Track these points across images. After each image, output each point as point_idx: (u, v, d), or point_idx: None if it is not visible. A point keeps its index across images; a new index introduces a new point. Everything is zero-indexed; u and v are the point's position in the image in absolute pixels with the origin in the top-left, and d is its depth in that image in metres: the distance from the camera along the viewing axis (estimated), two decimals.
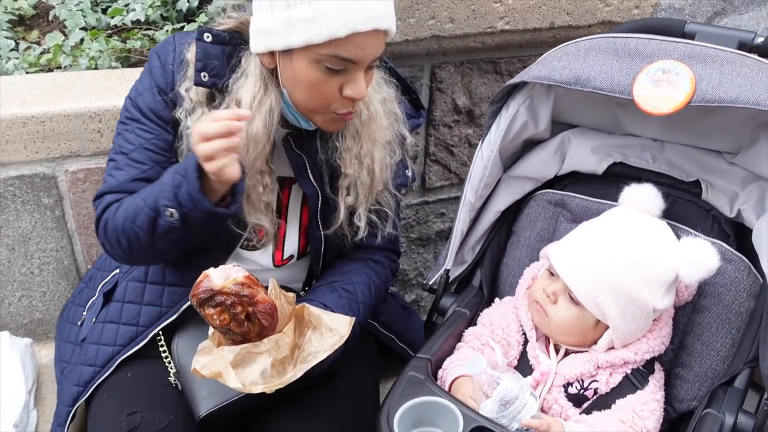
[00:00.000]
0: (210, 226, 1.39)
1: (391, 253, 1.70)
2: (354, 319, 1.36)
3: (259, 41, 1.35)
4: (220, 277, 1.23)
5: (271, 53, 1.36)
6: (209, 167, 1.28)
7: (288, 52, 1.33)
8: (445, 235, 2.27)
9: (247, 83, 1.39)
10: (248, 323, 1.25)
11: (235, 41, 1.43)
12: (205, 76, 1.41)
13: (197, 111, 1.43)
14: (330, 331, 1.31)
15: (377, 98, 1.49)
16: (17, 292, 2.00)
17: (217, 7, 2.29)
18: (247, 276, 1.24)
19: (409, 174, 1.62)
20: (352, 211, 1.54)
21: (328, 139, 1.49)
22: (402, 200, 1.68)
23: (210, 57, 1.41)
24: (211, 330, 1.31)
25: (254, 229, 1.50)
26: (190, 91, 1.43)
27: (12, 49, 2.31)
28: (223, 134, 1.26)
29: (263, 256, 1.58)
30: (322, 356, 1.29)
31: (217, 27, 1.44)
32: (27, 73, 2.18)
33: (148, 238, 1.39)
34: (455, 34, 1.85)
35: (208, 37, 1.42)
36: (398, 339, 1.78)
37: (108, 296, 1.64)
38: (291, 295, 1.37)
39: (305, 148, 1.49)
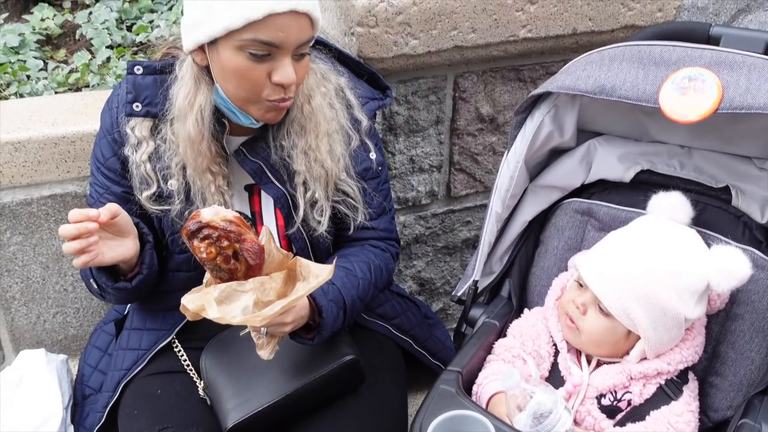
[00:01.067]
0: (133, 290, 1.50)
1: (389, 240, 1.71)
2: (334, 263, 1.37)
3: (187, 38, 1.39)
4: (210, 213, 1.27)
5: (202, 49, 1.39)
6: (75, 263, 1.37)
7: (214, 44, 1.36)
8: (471, 243, 2.26)
9: (182, 85, 1.44)
10: (235, 261, 1.27)
11: (168, 68, 1.48)
12: (137, 107, 1.49)
13: (143, 145, 1.50)
14: (316, 277, 1.31)
15: (320, 91, 1.51)
16: (52, 309, 2.04)
17: (158, 37, 2.35)
18: (237, 216, 1.28)
19: (373, 157, 1.62)
20: (312, 204, 1.55)
21: (275, 138, 1.51)
22: (387, 183, 1.68)
23: (141, 88, 1.49)
24: (206, 276, 1.33)
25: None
26: (134, 129, 1.50)
27: (41, 69, 2.37)
28: (75, 237, 1.33)
29: None
30: (303, 293, 1.29)
31: (151, 58, 1.50)
32: (56, 92, 2.23)
33: (95, 292, 1.55)
34: (478, 43, 1.85)
35: (138, 69, 1.50)
36: (415, 343, 1.79)
37: (119, 326, 1.74)
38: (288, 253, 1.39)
39: (258, 153, 1.51)
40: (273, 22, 1.30)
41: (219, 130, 1.48)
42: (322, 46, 1.60)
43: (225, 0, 1.30)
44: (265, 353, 1.39)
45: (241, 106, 1.42)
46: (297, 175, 1.52)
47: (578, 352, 1.43)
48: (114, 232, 1.41)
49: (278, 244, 1.61)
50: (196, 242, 1.26)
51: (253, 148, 1.52)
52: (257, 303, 1.26)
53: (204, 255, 1.26)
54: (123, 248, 1.43)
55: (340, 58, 1.63)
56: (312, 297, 1.43)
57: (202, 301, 1.25)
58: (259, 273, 1.30)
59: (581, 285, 1.40)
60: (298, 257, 1.35)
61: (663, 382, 1.37)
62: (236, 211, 1.30)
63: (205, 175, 1.48)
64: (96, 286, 1.52)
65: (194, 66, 1.43)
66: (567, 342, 1.43)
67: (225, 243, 1.25)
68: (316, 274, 1.31)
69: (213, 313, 1.24)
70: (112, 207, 1.38)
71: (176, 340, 1.65)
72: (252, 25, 1.30)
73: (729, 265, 1.32)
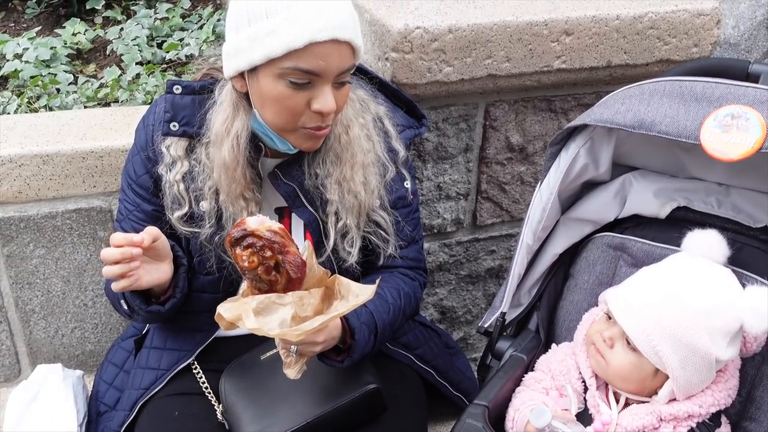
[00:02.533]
0: (166, 313, 1.49)
1: (417, 269, 1.69)
2: (378, 281, 1.36)
3: (228, 65, 1.38)
4: (256, 222, 1.25)
5: (242, 75, 1.38)
6: (114, 287, 1.36)
7: (254, 71, 1.35)
8: (495, 273, 2.24)
9: (220, 111, 1.44)
10: (276, 273, 1.25)
11: (206, 89, 1.48)
12: (174, 126, 1.48)
13: (177, 165, 1.49)
14: (356, 297, 1.29)
15: (358, 122, 1.50)
16: (71, 324, 2.03)
17: (188, 55, 2.36)
18: (281, 228, 1.26)
19: (408, 186, 1.60)
20: (344, 235, 1.53)
21: (311, 165, 1.50)
22: (417, 212, 1.67)
23: (178, 108, 1.49)
24: (242, 286, 1.32)
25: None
26: (170, 147, 1.49)
27: (70, 83, 2.38)
28: (117, 261, 1.32)
29: None
30: (342, 311, 1.26)
31: (190, 78, 1.49)
32: (85, 106, 2.24)
33: (124, 313, 1.53)
34: (512, 73, 1.84)
35: (177, 89, 1.50)
36: (437, 374, 1.75)
37: (138, 344, 1.72)
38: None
39: (294, 177, 1.50)
40: (314, 51, 1.29)
41: (254, 156, 1.47)
42: (362, 73, 1.59)
43: (267, 28, 1.30)
44: (292, 372, 1.36)
45: (278, 132, 1.42)
46: (329, 205, 1.51)
47: (607, 390, 1.40)
48: (152, 256, 1.41)
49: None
50: (238, 250, 1.24)
51: (288, 171, 1.50)
52: (295, 317, 1.24)
53: (246, 264, 1.24)
54: (160, 272, 1.42)
55: (379, 86, 1.62)
56: (345, 318, 1.41)
57: (240, 311, 1.23)
58: (299, 287, 1.28)
59: (610, 318, 1.37)
60: (337, 275, 1.33)
61: (694, 425, 1.33)
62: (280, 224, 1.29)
63: (238, 201, 1.46)
64: (126, 308, 1.50)
65: (233, 92, 1.43)
66: (596, 379, 1.40)
67: (268, 253, 1.24)
68: (356, 293, 1.29)
69: (250, 323, 1.21)
70: (153, 231, 1.37)
71: (195, 362, 1.63)
72: (293, 54, 1.29)
73: (763, 305, 1.29)
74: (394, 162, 1.57)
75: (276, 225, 1.26)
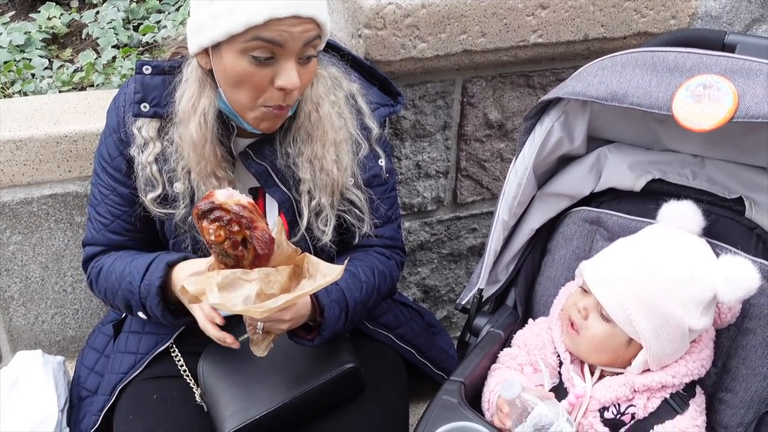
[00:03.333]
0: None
1: (394, 249, 1.67)
2: (348, 260, 1.36)
3: (192, 41, 1.37)
4: (224, 195, 1.23)
5: (206, 52, 1.37)
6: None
7: (217, 48, 1.34)
8: (477, 251, 2.23)
9: (186, 88, 1.42)
10: (243, 248, 1.23)
11: (177, 69, 1.46)
12: (145, 107, 1.47)
13: (149, 146, 1.47)
14: (324, 276, 1.27)
15: (329, 99, 1.48)
16: (50, 310, 2.01)
17: (165, 37, 2.33)
18: (250, 202, 1.24)
19: (383, 164, 1.59)
20: (317, 214, 1.52)
21: (282, 144, 1.49)
22: (393, 191, 1.65)
23: (149, 88, 1.47)
24: (209, 261, 1.30)
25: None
26: (141, 129, 1.48)
27: (46, 68, 2.35)
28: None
29: None
30: (309, 291, 1.25)
31: (160, 58, 1.49)
32: (60, 91, 2.21)
33: (128, 314, 1.57)
34: (487, 48, 1.82)
35: (147, 69, 1.48)
36: (418, 354, 1.75)
37: (117, 329, 1.72)
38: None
39: (265, 156, 1.49)
40: (274, 27, 1.28)
41: (225, 134, 1.46)
42: (335, 50, 1.58)
43: (228, 5, 1.28)
44: (259, 350, 1.36)
45: (239, 111, 1.40)
46: (302, 183, 1.50)
47: (582, 364, 1.40)
48: None
49: None
50: (205, 223, 1.22)
51: (259, 150, 1.49)
52: (260, 294, 1.22)
53: (212, 238, 1.22)
54: None
55: (352, 63, 1.60)
56: (315, 296, 1.40)
57: (204, 285, 1.21)
58: (266, 264, 1.26)
59: (585, 291, 1.37)
60: (306, 254, 1.32)
61: (668, 396, 1.34)
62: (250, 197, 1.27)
63: (209, 179, 1.45)
64: (145, 315, 1.51)
65: (199, 69, 1.41)
66: (570, 353, 1.40)
67: (235, 228, 1.21)
68: (324, 273, 1.27)
69: (213, 299, 1.20)
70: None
71: (174, 345, 1.62)
72: (253, 29, 1.28)
73: (736, 274, 1.28)
74: (368, 139, 1.55)
75: (245, 199, 1.23)
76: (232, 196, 1.23)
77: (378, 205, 1.59)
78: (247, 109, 1.38)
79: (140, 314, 1.50)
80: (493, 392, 1.40)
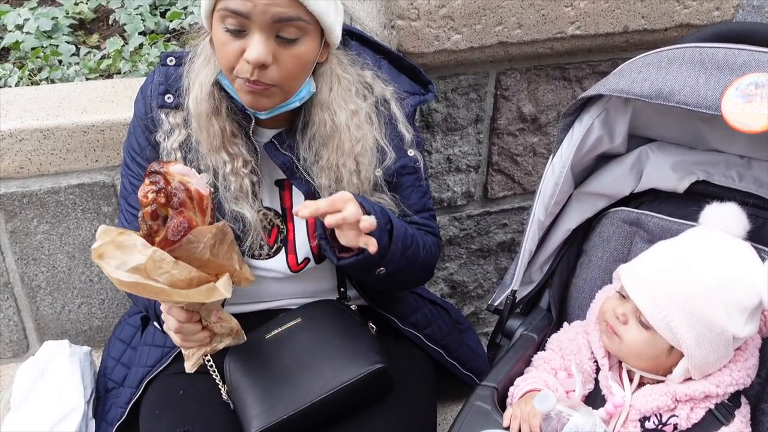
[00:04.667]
0: None
1: (430, 232, 1.60)
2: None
3: (201, 16, 1.37)
4: (179, 168, 1.19)
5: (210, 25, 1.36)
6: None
7: (211, 19, 1.33)
8: (507, 247, 2.19)
9: (196, 62, 1.42)
10: (159, 224, 1.17)
11: None
12: (169, 98, 1.46)
13: (175, 132, 1.46)
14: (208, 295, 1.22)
15: (348, 108, 1.44)
16: (77, 300, 2.01)
17: (192, 24, 2.31)
18: (199, 192, 1.19)
19: (412, 154, 1.53)
20: None
21: (302, 141, 1.45)
22: (425, 180, 1.59)
23: (172, 79, 1.46)
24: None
25: (263, 236, 1.49)
26: (168, 115, 1.46)
27: (72, 54, 2.33)
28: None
29: (278, 263, 1.55)
30: (182, 300, 1.20)
31: (185, 46, 1.49)
32: (87, 78, 2.19)
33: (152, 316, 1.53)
34: (523, 40, 1.77)
35: (171, 60, 1.48)
36: (447, 354, 1.71)
37: (145, 321, 1.70)
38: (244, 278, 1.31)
39: (291, 148, 1.46)
40: None
41: (244, 119, 1.44)
42: (360, 39, 1.53)
43: None
44: (188, 365, 1.38)
45: (230, 82, 1.38)
46: (321, 190, 1.47)
47: (620, 371, 1.36)
48: None
49: (309, 254, 1.56)
50: (146, 180, 1.18)
51: (285, 141, 1.46)
52: (140, 270, 1.15)
53: (140, 195, 1.17)
54: None
55: (379, 51, 1.56)
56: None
57: (108, 236, 1.16)
58: (173, 253, 1.18)
59: (623, 296, 1.32)
60: (219, 287, 1.24)
61: (712, 406, 1.28)
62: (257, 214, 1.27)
63: (219, 154, 1.42)
64: (162, 332, 1.50)
65: (208, 45, 1.41)
66: (609, 359, 1.36)
67: (162, 200, 1.16)
68: (227, 319, 1.35)
69: (96, 245, 1.15)
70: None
71: None
72: None
73: None
74: (399, 147, 1.51)
75: (197, 186, 1.19)
76: (186, 175, 1.19)
77: (410, 195, 1.55)
78: (230, 80, 1.37)
79: (156, 324, 1.49)
80: (516, 387, 1.36)
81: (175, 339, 1.35)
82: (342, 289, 1.62)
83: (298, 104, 1.42)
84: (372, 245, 1.30)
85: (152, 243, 1.18)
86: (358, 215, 1.28)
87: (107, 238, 1.16)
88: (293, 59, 1.33)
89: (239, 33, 1.29)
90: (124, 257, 1.15)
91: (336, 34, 1.39)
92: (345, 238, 1.32)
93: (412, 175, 1.56)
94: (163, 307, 1.34)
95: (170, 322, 1.33)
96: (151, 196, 1.16)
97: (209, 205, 1.23)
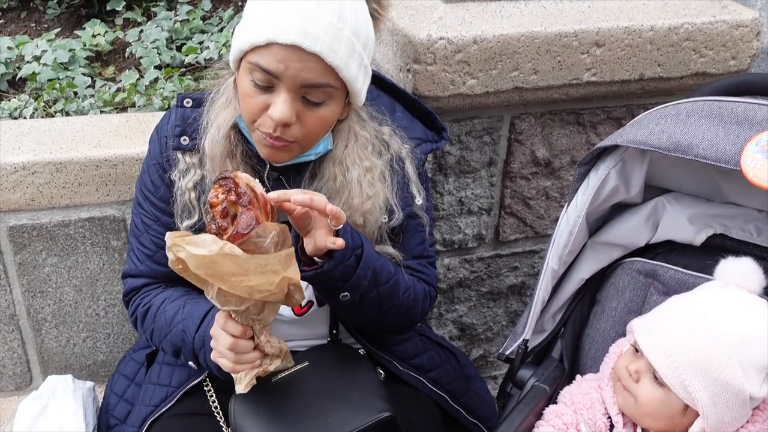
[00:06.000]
0: None
1: (425, 279, 1.59)
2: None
3: (230, 57, 1.37)
4: (244, 175, 1.24)
5: (237, 68, 1.36)
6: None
7: (238, 65, 1.33)
8: (518, 290, 2.16)
9: (217, 101, 1.42)
10: (227, 221, 1.20)
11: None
12: (185, 140, 1.45)
13: (190, 172, 1.45)
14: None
15: (362, 165, 1.42)
16: (82, 333, 1.99)
17: (207, 59, 2.32)
18: (264, 195, 1.23)
19: (419, 203, 1.52)
20: None
21: (311, 184, 1.45)
22: (426, 227, 1.57)
23: (188, 121, 1.46)
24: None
25: None
26: (185, 155, 1.46)
27: (88, 86, 2.34)
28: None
29: (283, 306, 1.52)
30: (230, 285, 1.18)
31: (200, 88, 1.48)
32: (101, 111, 2.20)
33: (173, 356, 1.51)
34: (539, 86, 1.77)
35: (188, 102, 1.48)
36: (452, 399, 1.68)
37: (150, 358, 1.67)
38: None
39: (296, 186, 1.45)
40: (275, 52, 1.25)
41: (259, 163, 1.44)
42: (379, 83, 1.53)
43: (250, 20, 1.29)
44: (239, 387, 1.34)
45: (250, 131, 1.38)
46: None
47: (634, 428, 1.32)
48: None
49: (312, 297, 1.55)
50: (215, 186, 1.22)
51: (294, 180, 1.46)
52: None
53: (212, 198, 1.21)
54: None
55: (395, 95, 1.56)
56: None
57: (173, 239, 1.18)
58: (239, 246, 1.20)
59: (637, 350, 1.30)
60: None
61: None
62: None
63: None
64: (196, 366, 1.48)
65: (233, 86, 1.41)
66: (623, 416, 1.33)
67: (233, 198, 1.20)
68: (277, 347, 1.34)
69: (170, 238, 1.18)
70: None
71: (207, 380, 1.58)
72: (257, 50, 1.26)
73: None
74: (408, 206, 1.50)
75: (261, 189, 1.23)
76: (249, 179, 1.23)
77: (409, 238, 1.54)
78: (250, 129, 1.37)
79: (191, 363, 1.46)
80: None
81: (226, 361, 1.30)
82: (334, 331, 1.59)
83: (313, 158, 1.41)
84: (339, 243, 1.28)
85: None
86: (326, 203, 1.25)
87: (174, 240, 1.18)
88: (317, 120, 1.33)
89: (266, 89, 1.29)
90: (197, 248, 1.17)
91: (361, 98, 1.38)
92: (313, 240, 1.29)
93: (414, 219, 1.55)
94: (218, 322, 1.30)
95: (223, 339, 1.29)
96: (221, 196, 1.21)
97: (271, 210, 1.26)
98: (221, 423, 1.52)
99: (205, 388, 1.58)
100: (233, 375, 1.33)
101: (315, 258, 1.34)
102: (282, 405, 1.47)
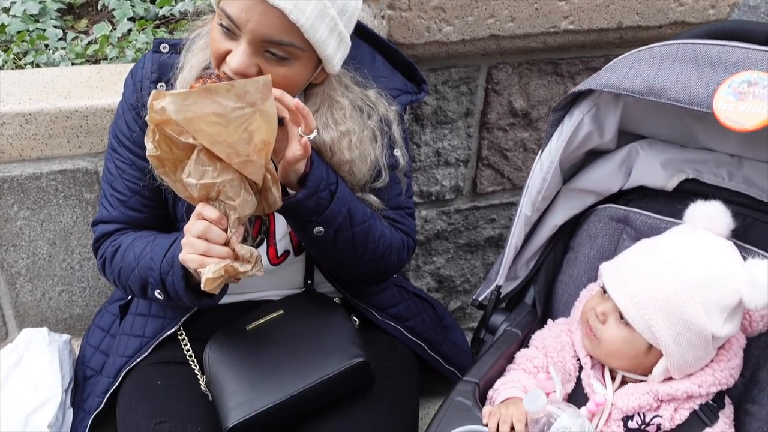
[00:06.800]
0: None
1: (403, 229, 1.58)
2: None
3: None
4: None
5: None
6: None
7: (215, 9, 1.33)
8: (495, 242, 2.17)
9: (196, 41, 1.41)
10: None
11: None
12: (162, 86, 1.43)
13: None
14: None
15: (337, 130, 1.40)
16: (57, 287, 1.98)
17: (182, 11, 2.27)
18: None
19: (398, 154, 1.50)
20: None
21: None
22: (407, 177, 1.57)
23: (165, 68, 1.43)
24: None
25: (248, 227, 1.45)
26: None
27: (59, 39, 2.30)
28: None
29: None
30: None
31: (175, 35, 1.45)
32: (73, 64, 2.16)
33: (141, 296, 1.49)
34: (516, 33, 1.75)
35: (164, 48, 1.45)
36: (429, 348, 1.70)
37: (124, 310, 1.67)
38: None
39: None
40: (241, 2, 1.23)
41: None
42: (359, 31, 1.50)
43: None
44: (205, 282, 1.26)
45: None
46: None
47: (602, 369, 1.34)
48: None
49: (289, 246, 1.54)
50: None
51: None
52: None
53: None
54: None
55: (375, 44, 1.53)
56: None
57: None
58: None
59: (605, 293, 1.31)
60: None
61: (697, 407, 1.27)
62: None
63: None
64: (162, 294, 1.41)
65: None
66: (591, 357, 1.34)
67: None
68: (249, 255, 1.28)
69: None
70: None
71: (182, 329, 1.58)
72: None
73: (762, 279, 1.21)
74: (392, 167, 1.49)
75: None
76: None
77: (388, 189, 1.52)
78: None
79: (156, 293, 1.41)
80: (496, 391, 1.34)
81: (195, 256, 1.26)
82: (309, 281, 1.59)
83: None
84: (304, 141, 1.26)
85: None
86: (296, 101, 1.26)
87: (156, 93, 1.18)
88: (279, 78, 1.29)
89: (231, 35, 1.27)
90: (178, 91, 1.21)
91: (334, 65, 1.35)
92: (285, 160, 1.28)
93: (393, 171, 1.54)
94: (193, 215, 1.27)
95: (197, 226, 1.25)
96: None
97: None
98: (196, 371, 1.53)
99: (179, 338, 1.58)
100: (200, 271, 1.25)
101: (289, 191, 1.33)
102: (256, 352, 1.48)
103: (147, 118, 1.18)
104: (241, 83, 1.17)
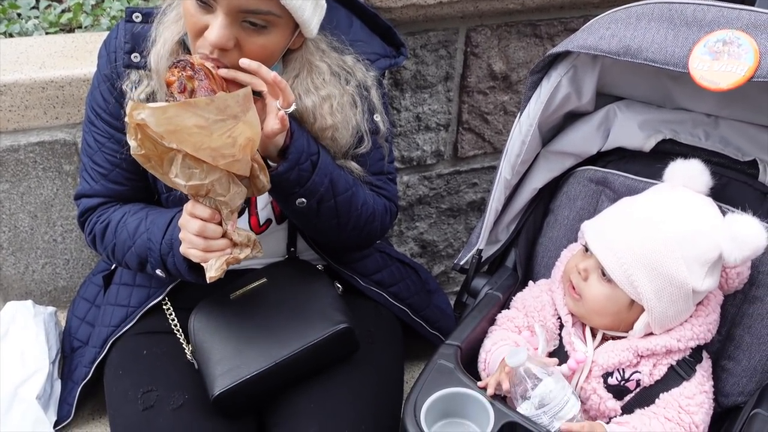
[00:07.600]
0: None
1: (385, 195, 1.59)
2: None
3: None
4: (203, 58, 1.25)
5: None
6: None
7: None
8: (477, 206, 2.18)
9: (167, 13, 1.38)
10: (185, 96, 1.21)
11: None
12: (136, 57, 1.41)
13: (143, 83, 1.41)
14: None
15: (318, 95, 1.39)
16: (41, 260, 1.98)
17: None
18: (220, 76, 1.24)
19: (377, 119, 1.50)
20: None
21: None
22: (387, 143, 1.57)
23: (138, 38, 1.41)
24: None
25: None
26: (137, 72, 1.42)
27: (32, 7, 2.25)
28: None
29: (241, 224, 1.50)
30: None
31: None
32: (47, 33, 2.12)
33: (138, 271, 1.51)
34: None
35: (137, 17, 1.42)
36: (413, 313, 1.71)
37: (107, 280, 1.68)
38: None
39: None
40: None
41: None
42: (340, 3, 1.48)
43: None
44: (209, 274, 1.30)
45: (192, 50, 1.34)
46: None
47: (583, 327, 1.36)
48: None
49: (272, 215, 1.54)
50: (170, 68, 1.23)
51: None
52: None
53: (167, 77, 1.22)
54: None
55: (352, 8, 1.52)
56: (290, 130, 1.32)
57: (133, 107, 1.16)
58: None
59: (587, 250, 1.33)
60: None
61: (675, 362, 1.30)
62: None
63: None
64: (163, 273, 1.43)
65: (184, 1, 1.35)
66: (572, 315, 1.36)
67: (189, 73, 1.21)
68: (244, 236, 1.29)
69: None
70: None
71: (166, 299, 1.59)
72: None
73: (743, 233, 1.23)
74: (373, 133, 1.48)
75: (215, 70, 1.23)
76: (204, 62, 1.23)
77: (368, 155, 1.52)
78: (192, 49, 1.32)
79: (158, 272, 1.43)
80: (489, 352, 1.37)
81: (196, 251, 1.28)
82: (292, 249, 1.60)
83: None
84: (281, 115, 1.26)
85: None
86: (274, 74, 1.25)
87: (135, 104, 1.16)
88: (258, 48, 1.28)
89: (207, 7, 1.24)
90: (157, 104, 1.17)
91: (311, 29, 1.33)
92: (263, 133, 1.27)
93: (374, 135, 1.53)
94: (185, 210, 1.29)
95: (191, 224, 1.27)
96: (177, 73, 1.21)
97: (227, 89, 1.25)
98: (181, 340, 1.54)
99: (164, 308, 1.59)
100: (204, 264, 1.30)
101: (270, 163, 1.33)
102: (240, 321, 1.49)
103: (126, 120, 1.16)
104: (222, 97, 1.16)
